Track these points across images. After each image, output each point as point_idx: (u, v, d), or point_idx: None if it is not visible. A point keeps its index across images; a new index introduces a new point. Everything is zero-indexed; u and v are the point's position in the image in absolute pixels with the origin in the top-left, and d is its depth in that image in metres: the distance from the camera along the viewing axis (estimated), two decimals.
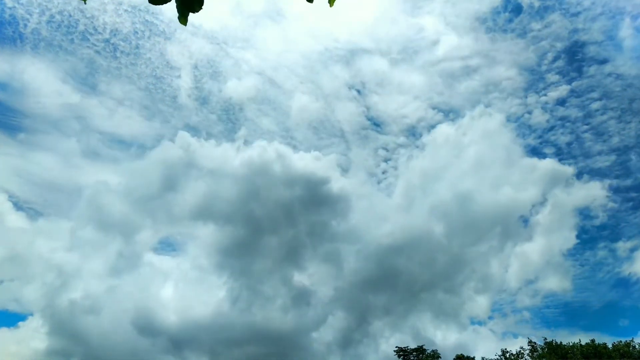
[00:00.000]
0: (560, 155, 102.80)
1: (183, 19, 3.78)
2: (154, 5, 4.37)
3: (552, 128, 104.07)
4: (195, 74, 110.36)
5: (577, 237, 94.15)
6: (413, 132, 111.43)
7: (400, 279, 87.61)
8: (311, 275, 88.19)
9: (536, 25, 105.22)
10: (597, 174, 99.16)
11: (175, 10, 4.15)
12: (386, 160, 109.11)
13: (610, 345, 47.30)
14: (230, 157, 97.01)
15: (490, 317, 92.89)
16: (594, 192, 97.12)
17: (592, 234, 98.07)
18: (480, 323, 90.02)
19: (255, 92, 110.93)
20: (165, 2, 4.03)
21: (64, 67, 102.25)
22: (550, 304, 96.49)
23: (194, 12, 3.92)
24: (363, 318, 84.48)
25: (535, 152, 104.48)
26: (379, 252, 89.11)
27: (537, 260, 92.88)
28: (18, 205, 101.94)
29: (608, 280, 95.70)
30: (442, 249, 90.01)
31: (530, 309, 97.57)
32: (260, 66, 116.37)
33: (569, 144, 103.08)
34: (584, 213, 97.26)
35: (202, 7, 3.80)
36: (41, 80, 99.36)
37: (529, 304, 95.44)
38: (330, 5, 3.68)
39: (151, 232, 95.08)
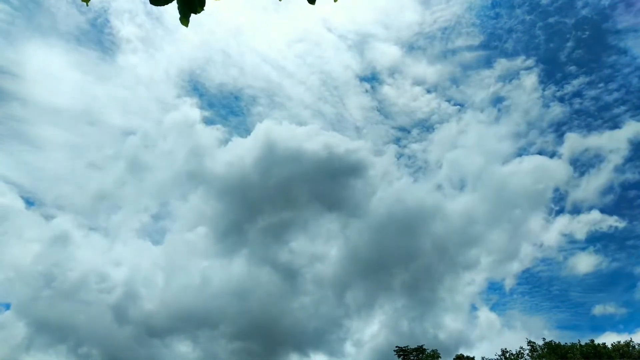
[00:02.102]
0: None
1: (185, 20, 3.76)
2: None
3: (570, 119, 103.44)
4: (202, 63, 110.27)
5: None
6: (426, 125, 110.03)
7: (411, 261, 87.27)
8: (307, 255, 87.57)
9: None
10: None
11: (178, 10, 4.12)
12: (400, 155, 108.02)
13: (609, 345, 47.35)
14: (238, 140, 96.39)
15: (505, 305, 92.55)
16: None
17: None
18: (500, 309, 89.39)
19: (265, 82, 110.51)
20: (167, 3, 4.01)
21: (48, 47, 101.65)
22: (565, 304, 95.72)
23: (196, 13, 3.89)
24: (369, 298, 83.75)
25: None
26: (393, 236, 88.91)
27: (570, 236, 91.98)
28: (29, 202, 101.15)
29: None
30: (457, 231, 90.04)
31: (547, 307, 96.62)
32: (270, 55, 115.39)
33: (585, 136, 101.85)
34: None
35: (204, 7, 3.77)
36: (31, 63, 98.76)
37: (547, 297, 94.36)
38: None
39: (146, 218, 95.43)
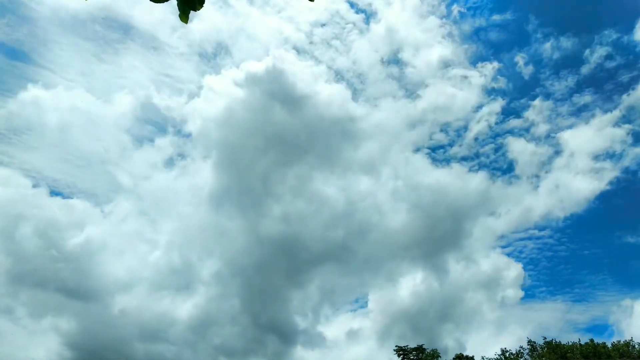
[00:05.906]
0: None
1: (184, 17, 3.78)
2: None
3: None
4: (224, 46, 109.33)
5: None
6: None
7: None
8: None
9: None
10: None
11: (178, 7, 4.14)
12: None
13: (609, 345, 47.44)
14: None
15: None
16: None
17: None
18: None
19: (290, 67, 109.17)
20: (167, 0, 4.03)
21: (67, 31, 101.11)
22: None
23: (195, 10, 3.91)
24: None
25: None
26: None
27: None
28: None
29: None
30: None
31: None
32: (295, 39, 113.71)
33: None
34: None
35: (204, 4, 3.79)
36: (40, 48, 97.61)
37: None
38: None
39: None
